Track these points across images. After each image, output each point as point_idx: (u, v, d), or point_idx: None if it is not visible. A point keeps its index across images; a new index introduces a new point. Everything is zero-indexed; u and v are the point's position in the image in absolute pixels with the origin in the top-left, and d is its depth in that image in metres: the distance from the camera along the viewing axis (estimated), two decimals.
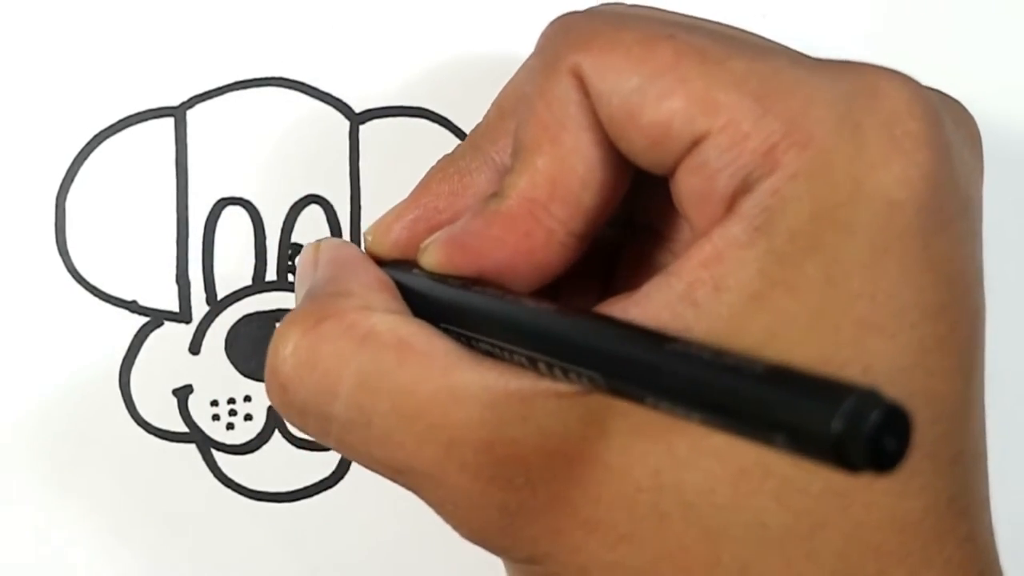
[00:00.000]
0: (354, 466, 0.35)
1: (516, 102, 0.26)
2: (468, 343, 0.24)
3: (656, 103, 0.22)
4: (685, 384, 0.19)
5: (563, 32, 0.24)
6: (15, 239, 0.34)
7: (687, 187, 0.22)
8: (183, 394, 0.34)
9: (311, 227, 0.34)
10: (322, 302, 0.25)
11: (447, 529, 0.35)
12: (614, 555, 0.23)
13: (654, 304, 0.22)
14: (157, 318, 0.34)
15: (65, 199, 0.34)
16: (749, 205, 0.21)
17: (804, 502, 0.22)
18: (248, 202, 0.34)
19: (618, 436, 0.22)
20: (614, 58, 0.22)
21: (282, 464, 0.35)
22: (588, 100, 0.23)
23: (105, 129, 0.34)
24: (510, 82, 0.27)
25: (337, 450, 0.25)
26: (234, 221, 0.34)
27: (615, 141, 0.23)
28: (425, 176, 0.28)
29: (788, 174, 0.21)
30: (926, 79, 0.36)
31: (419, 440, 0.23)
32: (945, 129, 0.23)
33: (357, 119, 0.35)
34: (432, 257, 0.25)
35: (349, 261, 0.27)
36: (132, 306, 0.34)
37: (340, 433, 0.24)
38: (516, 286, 0.24)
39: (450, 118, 0.35)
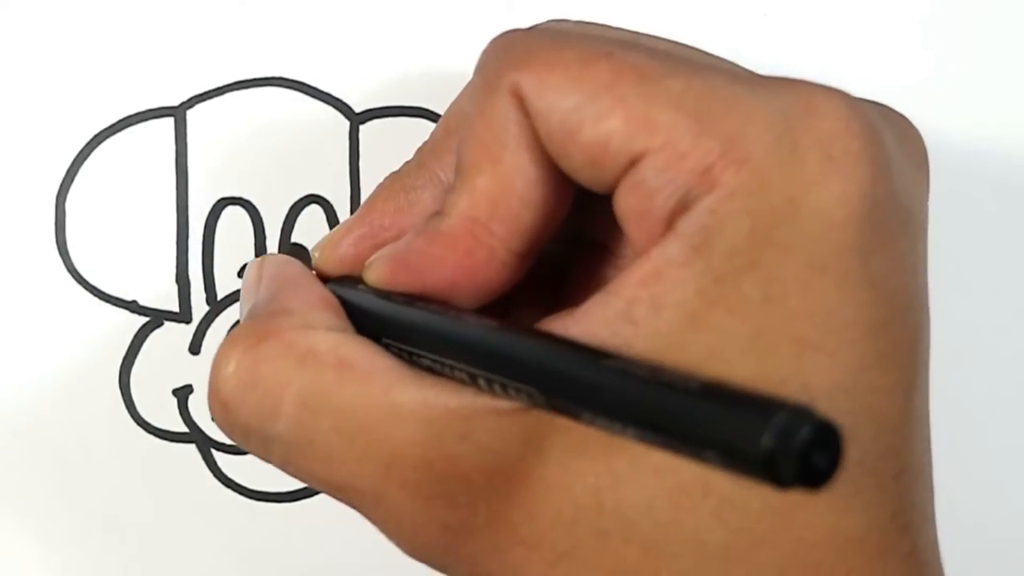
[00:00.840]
0: None
1: (460, 120, 0.26)
2: (411, 359, 0.24)
3: (594, 122, 0.22)
4: (620, 400, 0.19)
5: (503, 51, 0.24)
6: (15, 239, 0.34)
7: (626, 206, 0.22)
8: (183, 394, 0.34)
9: (311, 227, 0.34)
10: (262, 321, 0.25)
11: None
12: (555, 573, 0.23)
13: (594, 321, 0.22)
14: (157, 318, 0.34)
15: (65, 199, 0.34)
16: (687, 224, 0.21)
17: (743, 520, 0.22)
18: (248, 202, 0.34)
19: (557, 453, 0.22)
20: (553, 77, 0.23)
21: None
22: (527, 119, 0.23)
23: (105, 129, 0.34)
24: (456, 100, 0.27)
25: (280, 469, 0.25)
26: (234, 221, 0.34)
27: (555, 159, 0.23)
28: (372, 193, 0.28)
29: (725, 193, 0.21)
30: (926, 78, 0.36)
31: (360, 458, 0.23)
32: (885, 146, 0.23)
33: (357, 119, 0.35)
34: (376, 273, 0.25)
35: (291, 279, 0.27)
36: (132, 306, 0.34)
37: (282, 453, 0.24)
38: (460, 303, 0.24)
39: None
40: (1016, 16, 0.36)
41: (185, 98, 0.34)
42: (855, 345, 0.22)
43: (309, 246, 0.34)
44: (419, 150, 0.28)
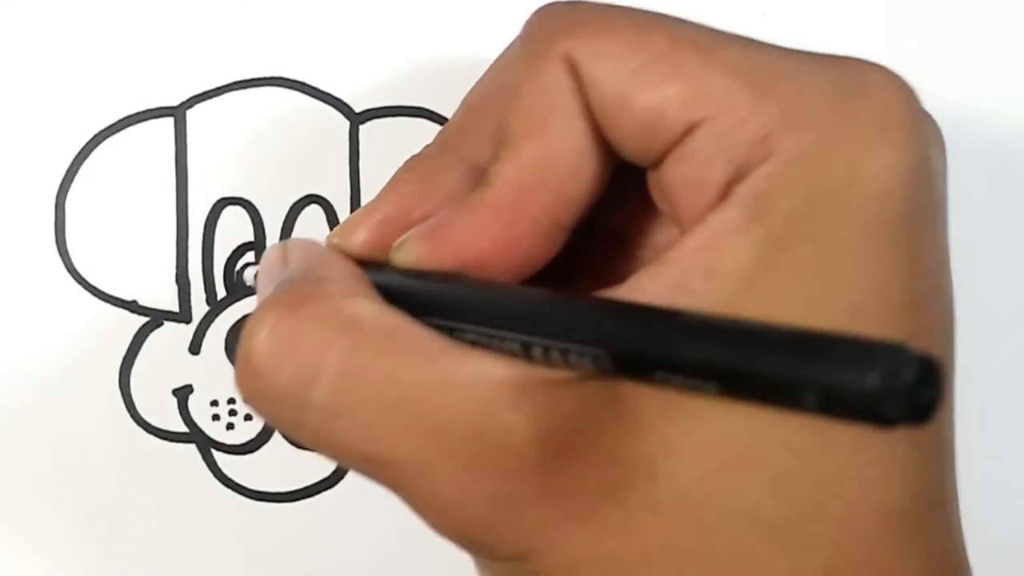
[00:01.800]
0: None
1: (490, 98, 0.25)
2: (451, 336, 0.23)
3: (651, 89, 0.22)
4: (702, 351, 0.19)
5: (553, 18, 0.24)
6: (15, 239, 0.34)
7: (679, 175, 0.22)
8: (183, 394, 0.34)
9: (311, 227, 0.34)
10: (301, 287, 0.24)
11: None
12: (604, 548, 0.22)
13: (646, 294, 0.22)
14: (157, 318, 0.34)
15: (65, 199, 0.34)
16: (744, 191, 0.21)
17: (798, 491, 0.22)
18: (248, 202, 0.34)
19: (610, 425, 0.22)
20: (609, 43, 0.22)
21: (282, 464, 0.35)
22: (579, 86, 0.23)
23: (105, 129, 0.34)
24: (481, 80, 0.27)
25: (310, 444, 0.24)
26: (234, 221, 0.34)
27: (605, 129, 0.23)
28: (392, 178, 0.27)
29: (784, 160, 0.21)
30: (926, 78, 0.36)
31: (404, 430, 0.22)
32: (930, 123, 0.23)
33: (357, 119, 0.35)
34: (410, 252, 0.25)
35: (323, 255, 0.26)
36: (132, 306, 0.34)
37: (318, 423, 0.23)
38: (497, 278, 0.24)
39: (450, 118, 0.35)
40: (1016, 17, 0.36)
41: (185, 98, 0.34)
42: (902, 317, 0.22)
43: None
44: (441, 132, 0.27)
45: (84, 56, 0.34)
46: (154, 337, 0.34)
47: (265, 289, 0.26)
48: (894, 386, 0.16)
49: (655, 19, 0.23)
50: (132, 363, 0.34)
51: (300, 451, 0.35)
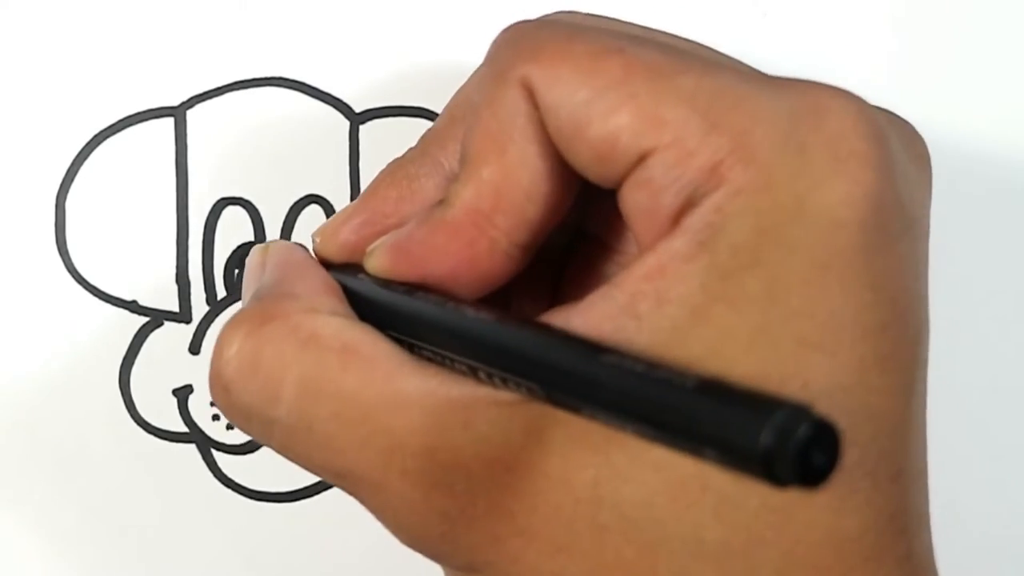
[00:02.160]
0: None
1: (466, 109, 0.26)
2: (411, 350, 0.24)
3: (603, 118, 0.22)
4: (619, 395, 0.19)
5: (514, 42, 0.24)
6: (15, 239, 0.34)
7: (633, 202, 0.22)
8: (183, 394, 0.34)
9: (311, 227, 0.34)
10: (267, 304, 0.25)
11: None
12: (552, 565, 0.23)
13: (596, 314, 0.22)
14: (157, 318, 0.34)
15: (65, 199, 0.34)
16: (693, 220, 0.21)
17: (742, 517, 0.22)
18: (248, 202, 0.34)
19: (557, 446, 0.22)
20: (563, 70, 0.22)
21: (282, 464, 0.34)
22: (536, 112, 0.23)
23: (105, 129, 0.34)
24: (462, 88, 0.27)
25: (280, 454, 0.25)
26: (234, 221, 0.34)
27: (563, 153, 0.23)
28: (374, 180, 0.27)
29: (732, 190, 0.21)
30: (926, 78, 0.36)
31: (360, 445, 0.23)
32: (891, 149, 0.23)
33: (357, 119, 0.35)
34: (377, 262, 0.25)
35: (296, 264, 0.27)
36: (132, 306, 0.34)
37: (282, 438, 0.24)
38: (460, 293, 0.24)
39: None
40: (1015, 17, 0.36)
41: (185, 98, 0.34)
42: (856, 346, 0.22)
43: (309, 246, 0.34)
44: (423, 138, 0.28)
45: (84, 56, 0.34)
46: (154, 337, 0.34)
47: (245, 293, 0.27)
48: (783, 448, 0.16)
49: (614, 44, 0.23)
50: (132, 363, 0.34)
51: None
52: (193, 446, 0.34)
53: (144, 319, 0.34)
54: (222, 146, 0.34)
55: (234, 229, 0.34)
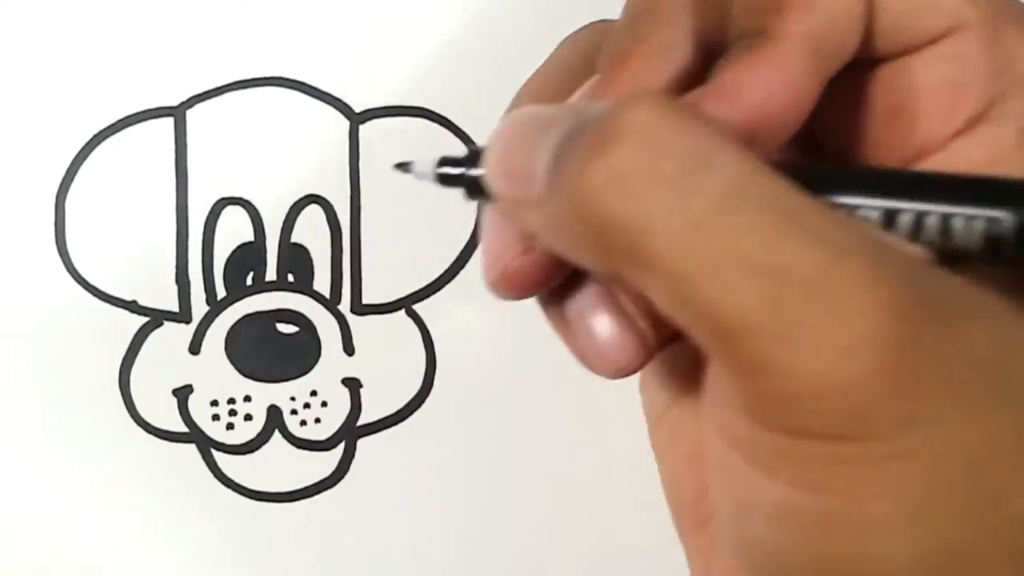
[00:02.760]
0: (353, 467, 0.35)
1: None
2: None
3: None
4: None
5: None
6: (15, 239, 0.34)
7: (931, 76, 0.22)
8: (183, 394, 0.34)
9: (311, 227, 0.34)
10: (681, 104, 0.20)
11: (446, 529, 0.35)
12: (980, 432, 0.19)
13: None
14: (157, 318, 0.34)
15: (65, 199, 0.34)
16: (1012, 110, 0.21)
17: None
18: (248, 202, 0.34)
19: (965, 322, 0.19)
20: None
21: (282, 464, 0.35)
22: None
23: (105, 129, 0.34)
24: None
25: (673, 240, 0.18)
26: (234, 221, 0.34)
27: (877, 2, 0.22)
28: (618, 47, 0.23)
29: None
30: None
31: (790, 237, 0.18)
32: None
33: (357, 119, 0.35)
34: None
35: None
36: (132, 306, 0.34)
37: (702, 210, 0.18)
38: (767, 139, 0.21)
39: (450, 118, 0.35)
40: None
41: (185, 98, 0.34)
42: None
43: (309, 246, 0.34)
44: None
45: (84, 56, 0.34)
46: (154, 337, 0.34)
47: (537, 133, 0.21)
48: None
49: None
50: (132, 363, 0.34)
51: (300, 451, 0.35)
52: (193, 446, 0.34)
53: (144, 319, 0.34)
54: (222, 146, 0.34)
55: (234, 229, 0.34)
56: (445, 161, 0.24)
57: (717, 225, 0.18)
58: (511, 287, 0.23)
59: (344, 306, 0.34)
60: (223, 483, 0.34)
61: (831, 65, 0.22)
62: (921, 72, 0.22)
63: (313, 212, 0.34)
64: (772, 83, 0.21)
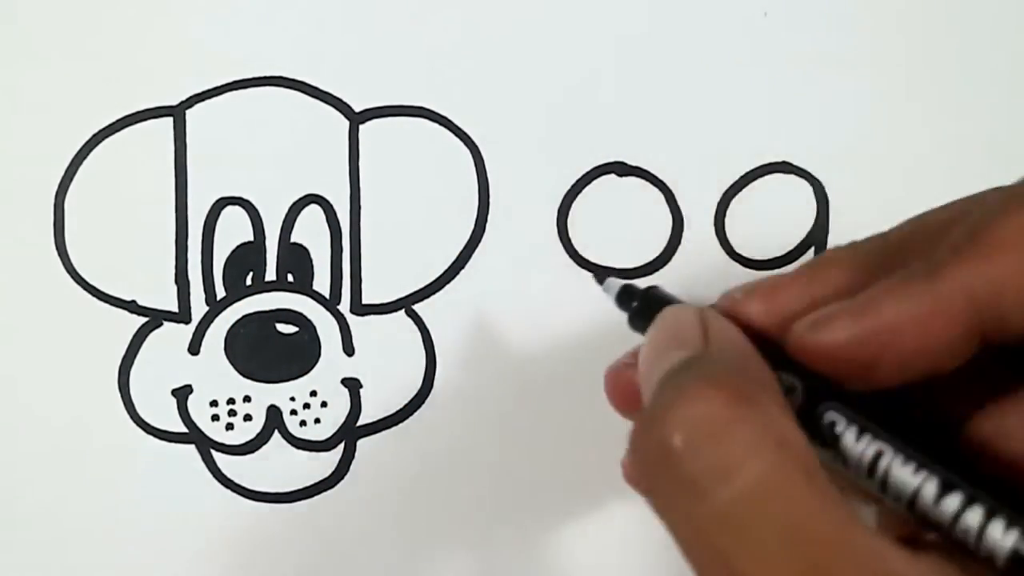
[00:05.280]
0: (353, 467, 0.35)
1: (958, 216, 0.23)
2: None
3: None
4: None
5: None
6: (14, 239, 0.34)
7: None
8: (182, 394, 0.34)
9: (311, 227, 0.34)
10: (744, 381, 0.22)
11: (445, 529, 0.35)
12: None
13: None
14: (156, 318, 0.34)
15: (64, 199, 0.34)
16: None
17: None
18: (248, 202, 0.34)
19: None
20: None
21: (281, 464, 0.35)
22: None
23: (104, 128, 0.34)
24: (951, 204, 0.24)
25: (686, 530, 0.21)
26: (234, 221, 0.34)
27: None
28: (814, 262, 0.25)
29: None
30: (926, 79, 0.36)
31: (792, 571, 0.20)
32: None
33: (357, 119, 0.34)
34: (831, 333, 0.22)
35: (750, 351, 0.24)
36: (131, 306, 0.34)
37: (707, 519, 0.21)
38: (894, 380, 0.22)
39: (450, 118, 0.35)
40: (1015, 18, 0.36)
41: (184, 97, 0.34)
42: None
43: (309, 246, 0.34)
44: (879, 236, 0.25)
45: (84, 56, 0.34)
46: (153, 337, 0.34)
47: (665, 351, 0.24)
48: None
49: None
50: (131, 363, 0.34)
51: (299, 451, 0.35)
52: (193, 446, 0.34)
53: (143, 319, 0.34)
54: (221, 146, 0.34)
55: (233, 229, 0.34)
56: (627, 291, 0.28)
57: (709, 533, 0.21)
58: None
59: (344, 306, 0.34)
60: (223, 483, 0.34)
61: (987, 322, 0.22)
62: None
63: (313, 212, 0.34)
64: (908, 324, 0.22)
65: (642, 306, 0.27)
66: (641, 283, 0.28)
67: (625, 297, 0.28)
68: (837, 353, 0.22)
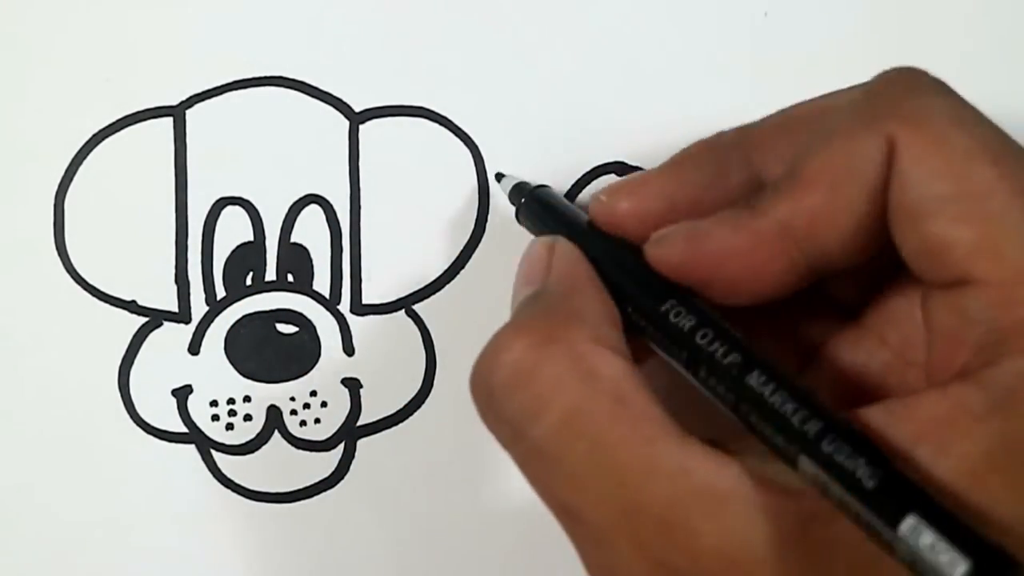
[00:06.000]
0: (353, 467, 0.35)
1: (804, 124, 0.25)
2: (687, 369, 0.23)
3: (949, 221, 0.21)
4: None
5: (902, 91, 0.23)
6: (14, 239, 0.34)
7: (938, 319, 0.22)
8: (182, 394, 0.34)
9: (311, 227, 0.34)
10: (553, 321, 0.24)
11: (446, 529, 0.35)
12: None
13: (873, 435, 0.21)
14: (156, 318, 0.34)
15: (64, 199, 0.34)
16: (994, 376, 0.21)
17: None
18: (248, 202, 0.34)
19: (802, 557, 0.21)
20: (935, 156, 0.22)
21: (281, 464, 0.35)
22: (887, 171, 0.22)
23: (104, 128, 0.34)
24: (813, 101, 0.26)
25: (516, 464, 0.24)
26: (233, 221, 0.34)
27: (891, 221, 0.23)
28: (677, 158, 0.27)
29: None
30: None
31: (601, 496, 0.22)
32: None
33: (357, 119, 0.34)
34: (666, 252, 0.25)
35: (584, 281, 0.26)
36: (131, 306, 0.34)
37: (527, 455, 0.23)
38: (728, 300, 0.24)
39: (450, 118, 0.35)
40: (1015, 18, 0.36)
41: (184, 97, 0.34)
42: None
43: (309, 246, 0.34)
44: (741, 131, 0.27)
45: (84, 55, 0.34)
46: (153, 337, 0.34)
47: (519, 289, 0.26)
48: None
49: (991, 153, 0.22)
50: (131, 363, 0.34)
51: (299, 451, 0.35)
52: (192, 446, 0.34)
53: (143, 319, 0.34)
54: (221, 146, 0.34)
55: (234, 229, 0.34)
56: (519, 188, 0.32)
57: (530, 470, 0.23)
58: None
59: (344, 306, 0.34)
60: (223, 483, 0.34)
61: (813, 256, 0.23)
62: (931, 310, 0.22)
63: (313, 212, 0.34)
64: (732, 254, 0.24)
65: (528, 203, 0.31)
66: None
67: (515, 194, 0.32)
68: (675, 271, 0.24)
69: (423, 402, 0.35)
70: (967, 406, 0.21)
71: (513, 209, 0.33)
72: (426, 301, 0.35)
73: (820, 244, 0.23)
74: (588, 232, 0.27)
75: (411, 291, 0.35)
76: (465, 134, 0.35)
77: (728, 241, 0.24)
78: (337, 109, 0.34)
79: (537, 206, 0.31)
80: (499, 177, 0.33)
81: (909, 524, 0.20)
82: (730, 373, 0.23)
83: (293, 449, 0.35)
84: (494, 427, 0.24)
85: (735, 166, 0.26)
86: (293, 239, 0.34)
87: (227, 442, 0.34)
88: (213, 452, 0.34)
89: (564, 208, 0.30)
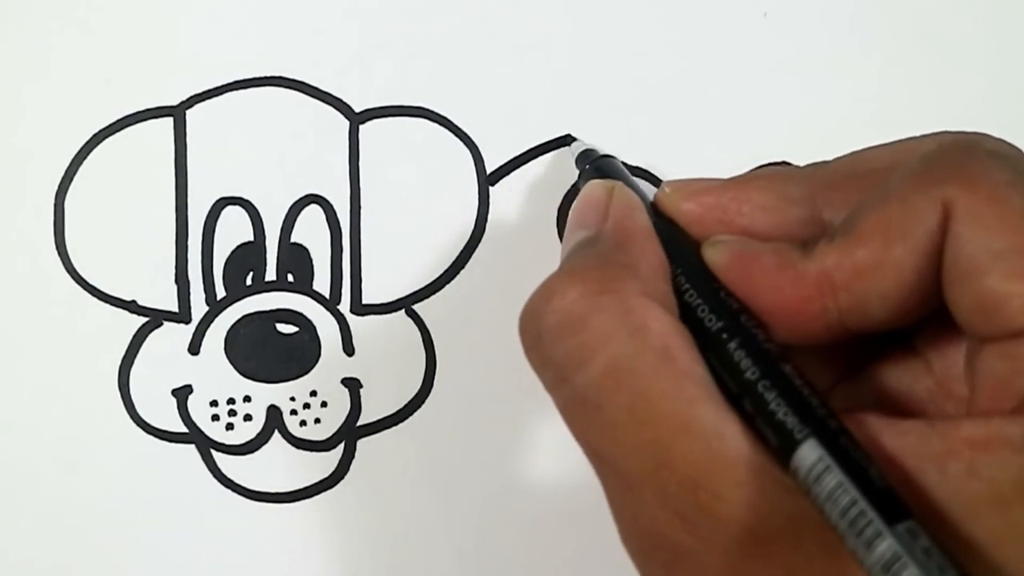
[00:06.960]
0: (354, 467, 0.35)
1: (876, 176, 0.25)
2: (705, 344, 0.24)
3: (1005, 277, 0.22)
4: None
5: (961, 155, 0.23)
6: (14, 239, 0.34)
7: (988, 364, 0.22)
8: (182, 394, 0.34)
9: (311, 227, 0.34)
10: (609, 271, 0.24)
11: (446, 529, 0.35)
12: None
13: (908, 446, 0.22)
14: (156, 318, 0.34)
15: (64, 199, 0.34)
16: None
17: None
18: (248, 202, 0.34)
19: (810, 546, 0.22)
20: (990, 215, 0.22)
21: (281, 465, 0.35)
22: (941, 233, 0.23)
23: (104, 128, 0.34)
24: (881, 148, 0.26)
25: (556, 405, 0.24)
26: (234, 221, 0.34)
27: (944, 283, 0.23)
28: (749, 175, 0.27)
29: None
30: (927, 81, 0.36)
31: (637, 447, 0.23)
32: None
33: (357, 119, 0.34)
34: (717, 256, 0.25)
35: (640, 232, 0.26)
36: (131, 306, 0.34)
37: (569, 400, 0.24)
38: (769, 330, 0.25)
39: (450, 118, 0.35)
40: (1015, 18, 0.36)
41: (184, 98, 0.34)
42: None
43: (309, 246, 0.34)
44: (815, 168, 0.27)
45: (84, 55, 0.34)
46: (153, 337, 0.34)
47: (573, 230, 0.27)
48: None
49: None
50: (131, 363, 0.34)
51: (299, 451, 0.35)
52: (192, 446, 0.34)
53: (143, 319, 0.34)
54: (221, 146, 0.34)
55: (233, 229, 0.34)
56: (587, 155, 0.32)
57: (569, 415, 0.24)
58: None
59: (344, 306, 0.34)
60: (223, 483, 0.34)
61: (851, 310, 0.24)
62: (982, 358, 0.23)
63: (313, 212, 0.34)
64: (772, 286, 0.24)
65: (591, 169, 0.31)
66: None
67: (582, 159, 0.32)
68: (721, 274, 0.25)
69: (423, 402, 0.35)
70: (1007, 437, 0.21)
71: (513, 209, 0.33)
72: (426, 301, 0.35)
73: (859, 299, 0.24)
74: (650, 209, 0.28)
75: (411, 291, 0.35)
76: (465, 134, 0.35)
77: (769, 271, 0.24)
78: (337, 109, 0.34)
79: (601, 175, 0.31)
80: (570, 140, 0.34)
81: (907, 525, 0.20)
82: (769, 351, 0.23)
83: (293, 449, 0.35)
84: (539, 369, 0.25)
85: (798, 200, 0.26)
86: (293, 239, 0.34)
87: (227, 442, 0.34)
88: (213, 452, 0.34)
89: (628, 181, 0.30)
